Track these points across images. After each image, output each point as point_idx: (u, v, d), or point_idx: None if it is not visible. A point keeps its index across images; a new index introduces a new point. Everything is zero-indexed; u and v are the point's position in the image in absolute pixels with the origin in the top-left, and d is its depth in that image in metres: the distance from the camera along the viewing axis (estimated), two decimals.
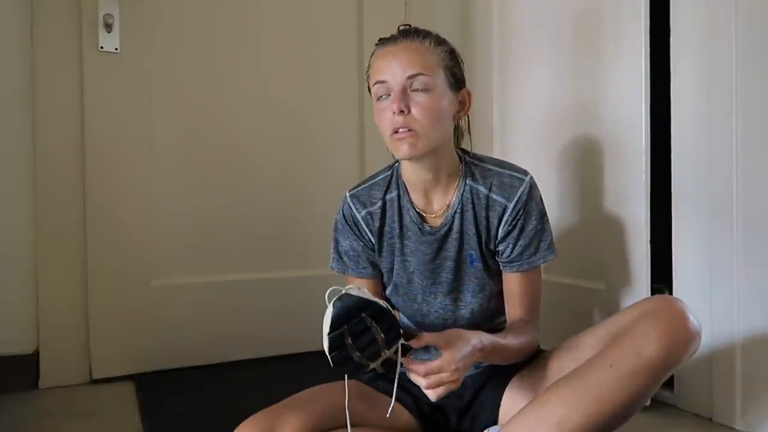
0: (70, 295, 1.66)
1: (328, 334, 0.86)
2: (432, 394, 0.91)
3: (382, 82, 1.04)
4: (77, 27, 1.65)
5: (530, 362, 1.13)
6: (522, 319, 1.12)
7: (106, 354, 1.69)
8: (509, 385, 1.12)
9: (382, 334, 0.89)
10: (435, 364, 0.90)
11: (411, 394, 1.14)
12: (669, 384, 1.42)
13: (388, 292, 1.20)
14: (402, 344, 0.92)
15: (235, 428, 0.96)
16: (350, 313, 0.87)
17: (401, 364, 0.92)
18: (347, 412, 0.95)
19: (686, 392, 1.41)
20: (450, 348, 0.91)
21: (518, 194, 1.09)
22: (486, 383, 1.15)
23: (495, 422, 1.11)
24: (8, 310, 1.63)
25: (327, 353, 0.88)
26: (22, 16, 1.62)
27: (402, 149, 1.03)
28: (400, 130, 1.02)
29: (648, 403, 1.00)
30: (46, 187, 1.64)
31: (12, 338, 1.63)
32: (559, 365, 1.06)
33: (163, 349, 1.76)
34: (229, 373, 1.76)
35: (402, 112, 1.01)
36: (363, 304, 0.88)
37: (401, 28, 1.09)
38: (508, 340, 1.03)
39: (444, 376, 0.89)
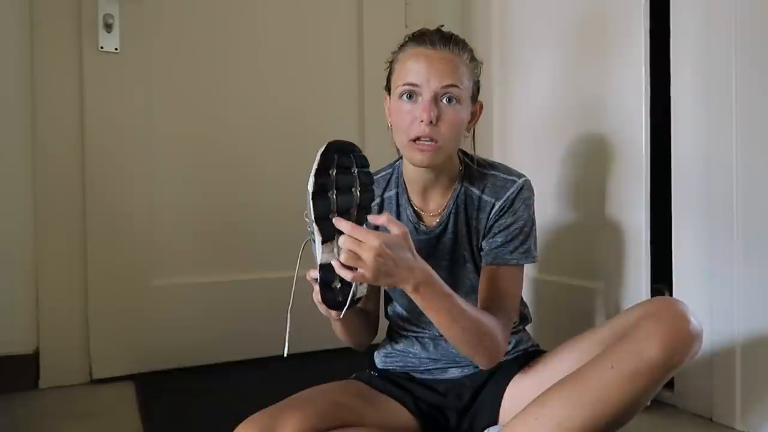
0: (70, 295, 1.66)
1: (317, 165, 0.91)
2: (340, 266, 0.89)
3: (413, 84, 1.04)
4: (77, 27, 1.65)
5: (531, 362, 1.14)
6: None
7: (106, 354, 1.69)
8: (510, 385, 1.12)
9: (359, 190, 0.93)
10: (363, 231, 0.88)
11: (411, 395, 1.14)
12: (669, 384, 1.42)
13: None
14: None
15: (235, 428, 0.95)
16: (342, 147, 0.95)
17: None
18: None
19: (686, 392, 1.41)
20: (393, 236, 0.90)
21: (507, 194, 1.11)
22: (486, 383, 1.15)
23: (495, 422, 1.11)
24: (8, 310, 1.62)
25: (310, 185, 0.90)
26: (22, 15, 1.62)
27: (419, 158, 1.05)
28: (424, 139, 1.03)
29: (648, 403, 1.00)
30: (46, 187, 1.63)
31: (12, 338, 1.63)
32: (560, 366, 1.06)
33: (163, 349, 1.76)
34: (229, 373, 1.75)
35: (431, 123, 1.02)
36: (352, 146, 0.96)
37: (440, 32, 1.08)
38: (463, 302, 0.97)
39: (363, 251, 0.87)
